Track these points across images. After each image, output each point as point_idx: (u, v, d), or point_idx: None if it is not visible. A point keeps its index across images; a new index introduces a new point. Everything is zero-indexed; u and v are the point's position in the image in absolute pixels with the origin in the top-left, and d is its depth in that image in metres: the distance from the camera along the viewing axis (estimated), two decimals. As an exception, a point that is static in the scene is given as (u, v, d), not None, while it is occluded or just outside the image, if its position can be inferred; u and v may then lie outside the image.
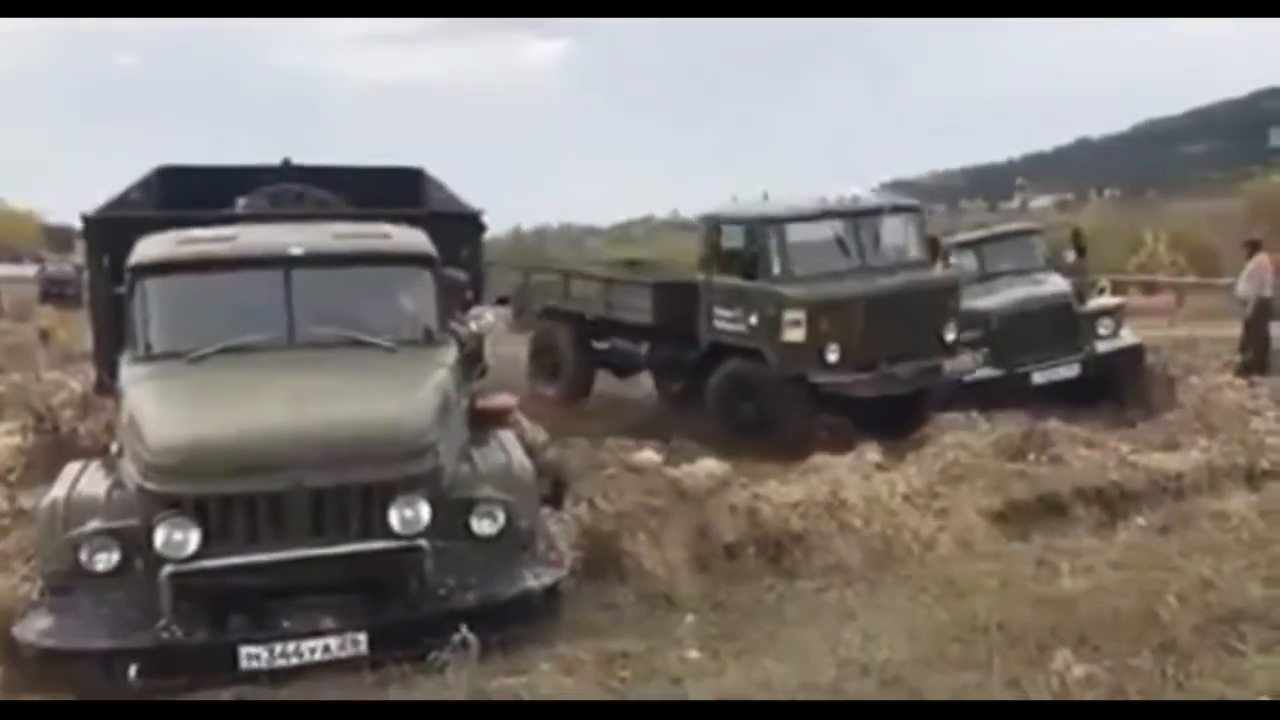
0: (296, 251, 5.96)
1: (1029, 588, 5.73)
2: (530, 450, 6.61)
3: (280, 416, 5.03)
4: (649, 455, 9.01)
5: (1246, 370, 13.07)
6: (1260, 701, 4.09)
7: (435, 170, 8.66)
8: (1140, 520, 7.70)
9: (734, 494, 7.57)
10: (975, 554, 6.96)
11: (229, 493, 4.89)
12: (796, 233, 10.79)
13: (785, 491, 7.74)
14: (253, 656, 4.79)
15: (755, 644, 5.33)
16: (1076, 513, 7.96)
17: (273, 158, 8.33)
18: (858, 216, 11.03)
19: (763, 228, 10.82)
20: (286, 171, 8.20)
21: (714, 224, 11.54)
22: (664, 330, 11.69)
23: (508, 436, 6.19)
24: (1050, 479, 8.44)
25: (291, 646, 4.83)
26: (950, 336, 10.95)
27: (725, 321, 10.95)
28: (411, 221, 6.78)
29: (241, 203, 7.67)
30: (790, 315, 10.29)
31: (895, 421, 10.46)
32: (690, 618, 5.89)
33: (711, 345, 11.15)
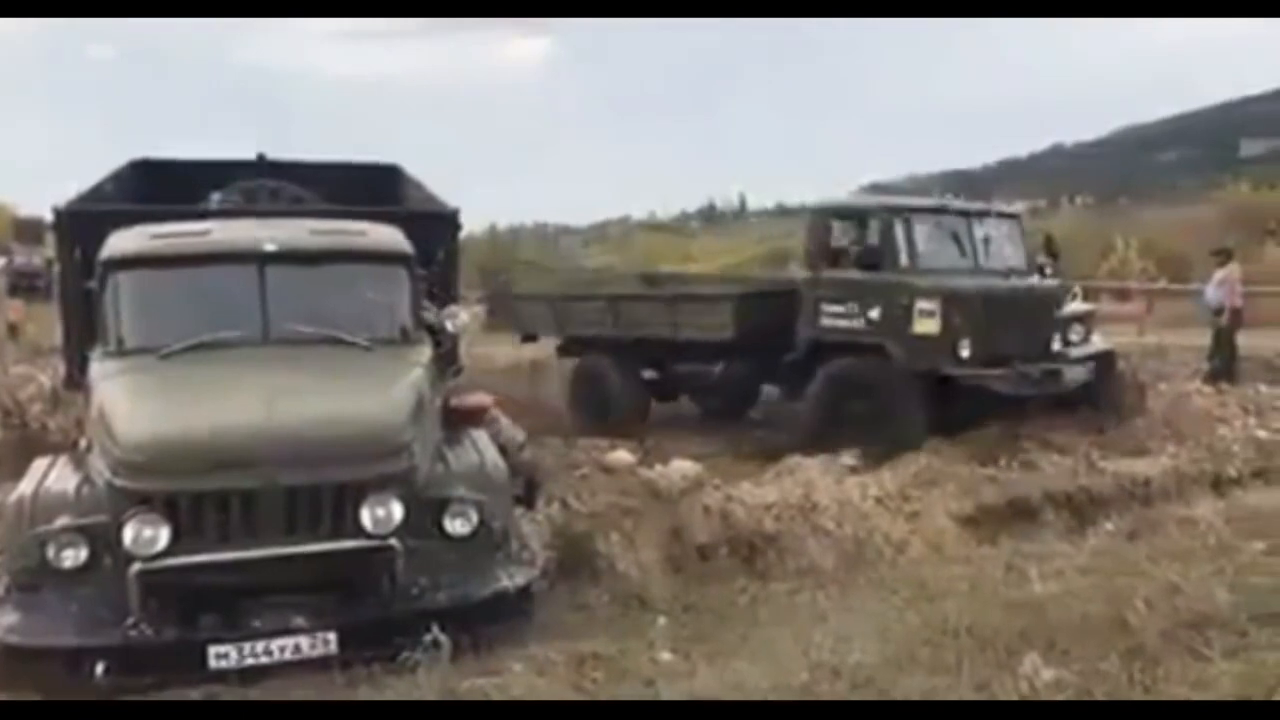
0: (271, 247, 5.91)
1: (999, 591, 5.77)
2: (505, 449, 6.60)
3: (253, 414, 4.98)
4: (622, 455, 9.03)
5: (1215, 378, 13.22)
6: (1225, 702, 4.13)
7: (412, 167, 8.64)
8: (1109, 525, 7.79)
9: (707, 495, 7.60)
10: (946, 557, 7.02)
11: (200, 490, 4.84)
12: (920, 226, 10.50)
13: (759, 493, 7.79)
14: (222, 655, 4.75)
15: (727, 646, 5.34)
16: (1046, 517, 8.05)
17: (248, 153, 8.30)
18: (971, 217, 10.85)
19: (890, 218, 10.50)
20: (261, 167, 8.15)
21: (826, 216, 11.20)
22: (744, 343, 11.19)
23: (481, 436, 6.17)
24: (1020, 484, 8.54)
25: (261, 646, 4.79)
26: (1057, 346, 10.76)
27: (835, 318, 10.52)
28: (387, 219, 6.74)
29: (216, 198, 7.61)
30: (924, 305, 9.96)
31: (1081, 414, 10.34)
32: (663, 619, 5.90)
33: (812, 346, 10.72)
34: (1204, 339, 14.58)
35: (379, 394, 5.41)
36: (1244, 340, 14.38)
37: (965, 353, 9.84)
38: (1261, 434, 10.58)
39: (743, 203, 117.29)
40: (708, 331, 11.32)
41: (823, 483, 8.13)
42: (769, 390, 12.21)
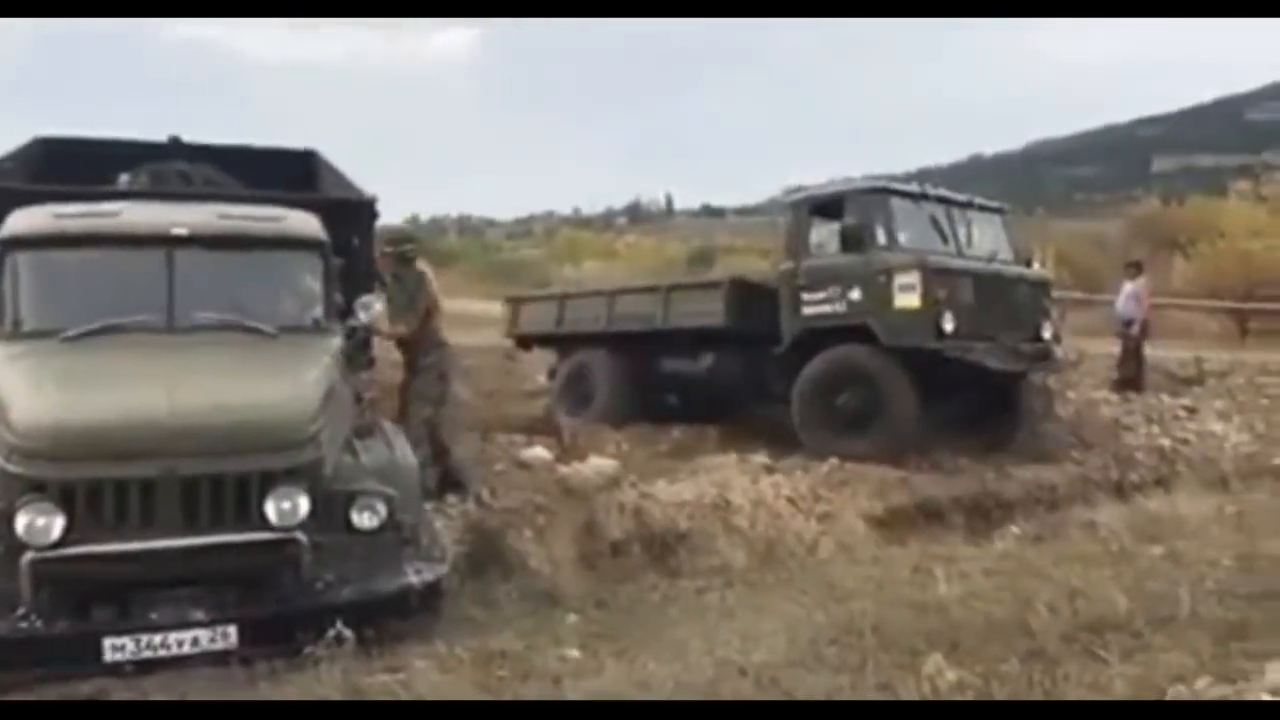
0: (179, 231, 5.76)
1: (905, 593, 5.83)
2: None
3: (154, 401, 4.84)
4: (539, 452, 8.99)
5: (1122, 386, 13.57)
6: (1119, 702, 4.22)
7: (331, 154, 8.50)
8: (1015, 529, 7.95)
9: (623, 493, 7.60)
10: (855, 558, 7.09)
11: (97, 478, 4.69)
12: (899, 208, 10.33)
13: (674, 491, 7.81)
14: (117, 648, 4.61)
15: (636, 643, 5.31)
16: (954, 520, 8.16)
17: (164, 132, 8.11)
18: (950, 205, 10.73)
19: (867, 198, 10.37)
20: (174, 149, 7.96)
21: (804, 205, 11.03)
22: (735, 332, 11.05)
23: (392, 429, 6.09)
24: (930, 486, 8.65)
25: (158, 639, 4.66)
26: (1047, 334, 10.69)
27: (817, 305, 10.36)
28: (302, 205, 6.62)
29: (123, 179, 7.41)
30: (903, 279, 9.77)
31: (994, 420, 10.34)
32: (572, 616, 5.88)
33: (797, 339, 10.54)
34: (1113, 348, 14.93)
35: (287, 383, 5.28)
36: (1150, 351, 14.75)
37: (949, 326, 9.70)
38: (1164, 442, 10.91)
39: (669, 202, 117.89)
40: (697, 319, 11.30)
41: (738, 482, 8.19)
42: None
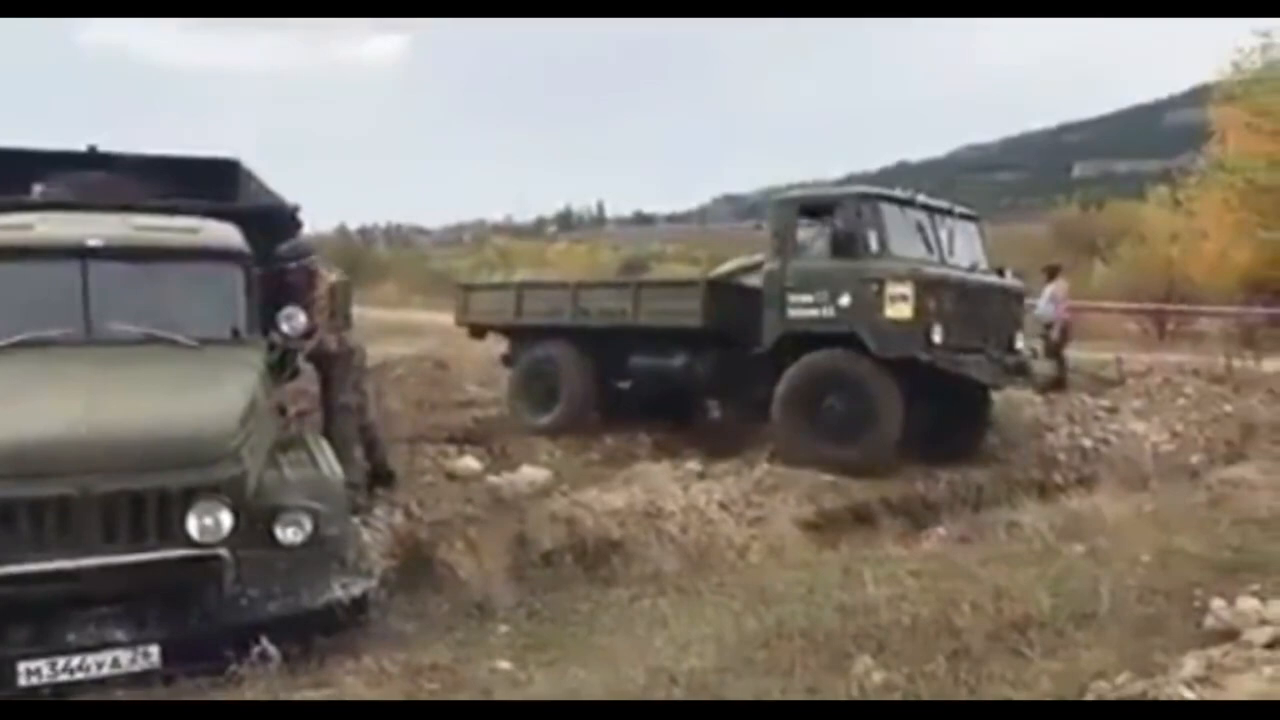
0: (95, 243, 5.66)
1: (834, 595, 5.86)
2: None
3: (70, 416, 4.73)
4: (469, 463, 8.95)
5: (1044, 388, 13.79)
6: (1043, 701, 4.29)
7: (261, 164, 8.37)
8: (941, 530, 8.03)
9: (554, 502, 7.59)
10: (786, 562, 7.14)
11: (11, 497, 4.57)
12: (889, 215, 10.20)
13: (606, 499, 7.82)
14: (32, 672, 4.52)
15: (567, 653, 5.31)
16: (884, 522, 8.24)
17: (79, 142, 7.94)
18: (934, 212, 10.65)
19: (859, 204, 10.19)
20: (91, 158, 7.80)
21: (792, 206, 10.83)
22: (712, 334, 10.84)
23: (318, 442, 6.01)
24: (860, 490, 8.73)
25: (76, 661, 4.58)
26: (1020, 345, 10.74)
27: (804, 308, 10.15)
28: (223, 215, 6.52)
29: (38, 190, 7.24)
30: (896, 289, 9.67)
31: (960, 428, 10.44)
32: (503, 627, 5.86)
33: (780, 340, 10.32)
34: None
35: (207, 396, 5.20)
36: (1071, 352, 15.03)
37: (938, 338, 9.67)
38: (1086, 442, 11.14)
39: (601, 210, 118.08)
40: (672, 319, 11.03)
41: (670, 489, 8.22)
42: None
